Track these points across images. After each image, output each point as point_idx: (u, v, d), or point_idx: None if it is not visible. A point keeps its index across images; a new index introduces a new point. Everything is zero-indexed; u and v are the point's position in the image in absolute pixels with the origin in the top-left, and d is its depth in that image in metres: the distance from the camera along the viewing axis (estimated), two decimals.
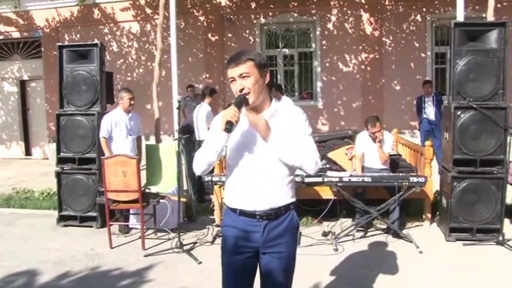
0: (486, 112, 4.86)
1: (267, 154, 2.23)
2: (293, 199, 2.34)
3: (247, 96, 2.19)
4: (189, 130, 7.11)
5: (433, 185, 5.62)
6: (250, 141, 2.25)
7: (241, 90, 2.20)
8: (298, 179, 5.06)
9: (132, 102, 5.80)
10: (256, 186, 2.24)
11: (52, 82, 10.73)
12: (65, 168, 5.95)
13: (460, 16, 6.32)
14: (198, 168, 2.34)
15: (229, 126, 2.12)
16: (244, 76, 2.20)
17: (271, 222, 2.27)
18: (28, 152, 12.45)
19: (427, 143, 5.80)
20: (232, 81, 2.23)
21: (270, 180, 2.25)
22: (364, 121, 5.64)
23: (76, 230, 5.77)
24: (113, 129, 5.70)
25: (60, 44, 6.16)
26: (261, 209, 2.25)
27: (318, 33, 10.56)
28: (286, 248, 2.32)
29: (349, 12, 10.41)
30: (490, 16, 6.49)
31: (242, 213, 2.28)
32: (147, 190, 5.28)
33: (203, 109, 7.07)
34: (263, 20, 10.77)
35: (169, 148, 5.95)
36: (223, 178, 4.80)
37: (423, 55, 10.15)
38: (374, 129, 5.40)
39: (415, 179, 4.98)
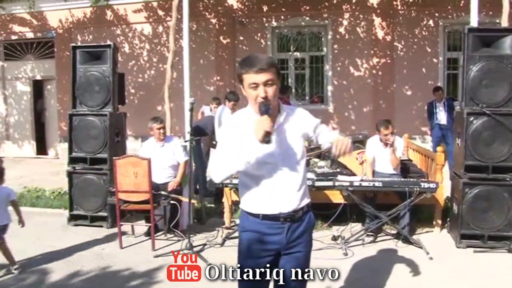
0: (499, 118, 4.82)
1: (287, 158, 2.25)
2: (309, 200, 2.39)
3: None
4: (200, 132, 7.14)
5: (444, 191, 5.59)
6: (270, 146, 2.21)
7: (265, 98, 2.15)
8: (309, 183, 5.02)
9: (162, 131, 5.56)
10: (280, 189, 2.26)
11: (64, 83, 10.83)
12: (76, 168, 6.01)
13: (474, 22, 6.27)
14: (220, 177, 2.30)
15: (269, 138, 2.08)
16: (270, 84, 2.16)
17: (294, 223, 2.30)
18: (39, 151, 12.56)
19: (439, 148, 5.75)
20: (254, 86, 2.16)
21: (293, 182, 2.28)
22: (376, 124, 5.62)
23: (87, 230, 5.81)
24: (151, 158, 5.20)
25: (73, 44, 6.24)
26: (286, 211, 2.27)
27: (329, 37, 10.54)
28: (304, 248, 2.36)
29: (361, 16, 10.38)
30: (504, 22, 6.45)
31: (265, 217, 2.28)
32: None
33: (226, 112, 7.06)
34: (274, 23, 10.78)
35: None
36: (234, 181, 4.80)
37: (435, 60, 10.08)
38: (386, 131, 5.37)
39: (426, 185, 4.96)
